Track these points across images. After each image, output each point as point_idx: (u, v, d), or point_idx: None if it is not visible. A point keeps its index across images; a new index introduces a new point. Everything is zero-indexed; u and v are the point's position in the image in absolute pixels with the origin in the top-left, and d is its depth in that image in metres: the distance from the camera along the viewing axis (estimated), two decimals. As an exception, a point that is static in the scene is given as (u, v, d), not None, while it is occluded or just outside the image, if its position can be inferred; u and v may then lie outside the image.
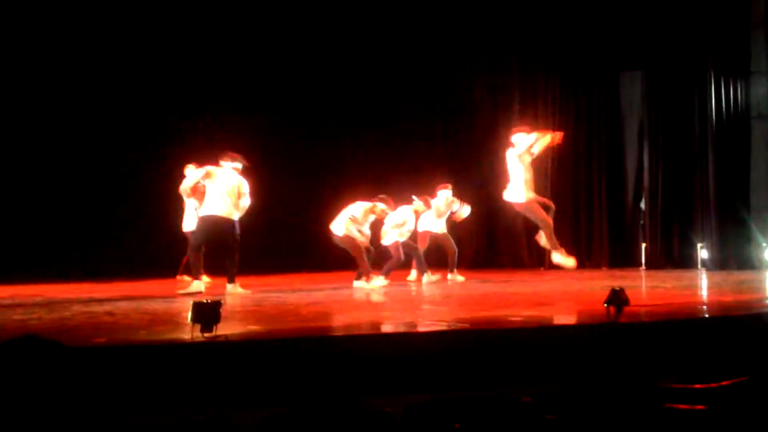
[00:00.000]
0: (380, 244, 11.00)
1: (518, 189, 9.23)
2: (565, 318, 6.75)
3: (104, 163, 13.02)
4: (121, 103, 13.15)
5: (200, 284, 9.08)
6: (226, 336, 4.95)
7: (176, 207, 11.39)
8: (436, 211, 11.65)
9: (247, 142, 13.94)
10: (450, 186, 12.13)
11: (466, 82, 15.64)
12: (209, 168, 9.35)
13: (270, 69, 14.21)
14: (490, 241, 15.61)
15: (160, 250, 12.68)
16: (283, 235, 13.92)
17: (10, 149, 12.49)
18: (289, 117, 14.47)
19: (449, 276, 11.64)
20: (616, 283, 7.21)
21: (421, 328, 6.13)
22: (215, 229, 9.32)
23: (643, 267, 14.26)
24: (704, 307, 7.84)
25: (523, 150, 9.19)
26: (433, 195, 11.77)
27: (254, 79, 14.12)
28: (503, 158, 15.30)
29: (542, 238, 9.42)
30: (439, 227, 11.87)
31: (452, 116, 15.84)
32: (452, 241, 11.99)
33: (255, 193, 12.40)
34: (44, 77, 12.62)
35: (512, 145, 9.39)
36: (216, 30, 13.55)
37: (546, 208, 9.52)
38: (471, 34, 15.11)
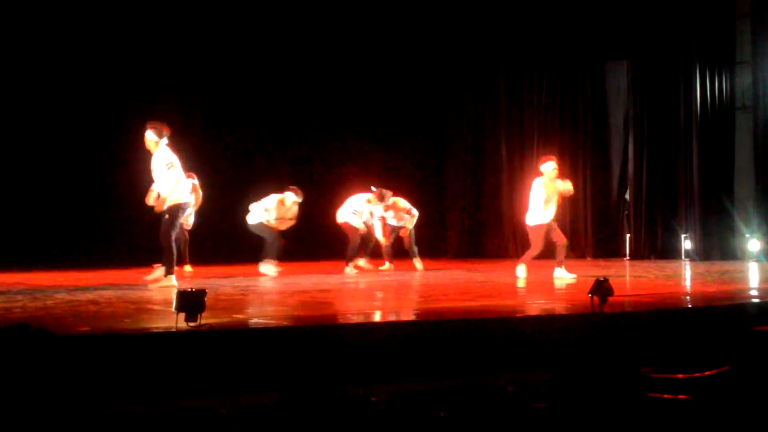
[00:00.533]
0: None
1: (537, 213, 9.68)
2: (549, 308, 6.77)
3: (87, 151, 12.94)
4: (108, 92, 13.07)
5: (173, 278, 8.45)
6: (210, 325, 4.94)
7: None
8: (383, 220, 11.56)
9: (239, 134, 13.98)
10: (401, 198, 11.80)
11: (452, 73, 15.63)
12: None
13: (265, 72, 14.20)
14: (476, 231, 15.63)
15: (144, 238, 12.63)
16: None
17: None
18: (283, 110, 14.44)
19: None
20: (600, 273, 7.24)
21: (405, 318, 6.14)
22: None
23: (627, 257, 14.31)
24: (687, 297, 7.89)
25: (550, 179, 9.69)
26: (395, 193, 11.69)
27: (245, 78, 14.09)
28: (491, 150, 15.47)
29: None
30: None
31: (440, 108, 15.83)
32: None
33: (246, 183, 12.42)
34: (21, 67, 12.52)
35: (540, 173, 9.79)
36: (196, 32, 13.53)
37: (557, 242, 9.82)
38: (457, 26, 15.08)
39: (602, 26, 14.51)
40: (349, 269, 11.05)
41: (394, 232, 11.81)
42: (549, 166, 9.75)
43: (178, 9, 13.32)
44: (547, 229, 9.68)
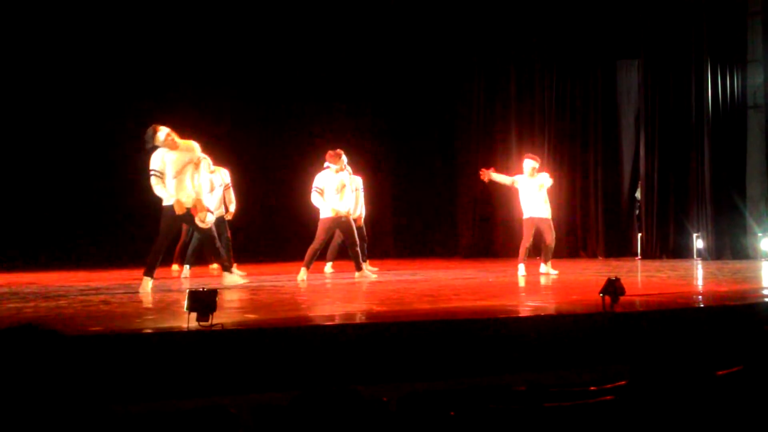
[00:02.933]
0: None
1: (524, 206, 10.48)
2: (560, 307, 6.76)
3: (99, 152, 13.00)
4: (116, 92, 13.12)
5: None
6: (221, 324, 4.95)
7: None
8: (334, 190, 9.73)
9: (245, 130, 13.99)
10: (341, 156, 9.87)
11: (463, 72, 15.60)
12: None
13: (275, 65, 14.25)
14: (487, 230, 15.61)
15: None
16: (279, 223, 13.92)
17: (2, 139, 12.46)
18: (291, 108, 14.47)
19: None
20: (612, 273, 7.22)
21: (415, 317, 6.13)
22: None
23: (639, 257, 14.28)
24: (699, 296, 7.86)
25: (530, 175, 10.44)
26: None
27: (253, 67, 14.12)
28: (501, 149, 15.46)
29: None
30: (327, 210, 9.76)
31: (451, 103, 15.80)
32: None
33: (253, 181, 12.41)
34: (29, 66, 12.58)
35: (522, 171, 10.56)
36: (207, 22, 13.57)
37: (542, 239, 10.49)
38: (468, 22, 15.05)
39: (613, 25, 14.48)
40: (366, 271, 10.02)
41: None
42: (529, 164, 10.49)
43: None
44: (538, 225, 10.33)
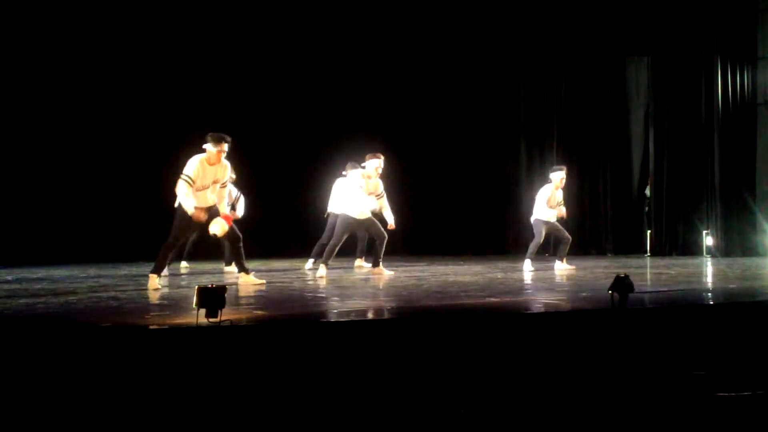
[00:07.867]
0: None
1: (538, 211, 11.04)
2: (569, 304, 6.75)
3: (110, 148, 13.03)
4: (122, 90, 13.15)
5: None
6: (230, 321, 4.96)
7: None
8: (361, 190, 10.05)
9: (259, 127, 13.99)
10: (381, 157, 10.14)
11: (469, 67, 15.53)
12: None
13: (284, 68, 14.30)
14: (496, 227, 15.57)
15: (163, 235, 12.72)
16: (288, 220, 13.92)
17: (12, 133, 12.50)
18: (304, 107, 14.48)
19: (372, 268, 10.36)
20: (621, 270, 7.20)
21: (423, 313, 6.13)
22: None
23: (648, 254, 14.26)
24: (709, 294, 7.83)
25: (556, 187, 11.01)
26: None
27: (261, 69, 14.14)
28: (510, 145, 15.44)
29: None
30: (360, 210, 10.07)
31: (461, 102, 15.74)
32: (379, 227, 10.21)
33: (262, 178, 12.41)
34: (37, 67, 12.62)
35: (550, 180, 11.07)
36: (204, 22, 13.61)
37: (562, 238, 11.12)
38: (476, 17, 14.97)
39: (623, 22, 14.42)
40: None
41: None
42: (558, 176, 11.03)
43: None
44: (550, 227, 10.99)
